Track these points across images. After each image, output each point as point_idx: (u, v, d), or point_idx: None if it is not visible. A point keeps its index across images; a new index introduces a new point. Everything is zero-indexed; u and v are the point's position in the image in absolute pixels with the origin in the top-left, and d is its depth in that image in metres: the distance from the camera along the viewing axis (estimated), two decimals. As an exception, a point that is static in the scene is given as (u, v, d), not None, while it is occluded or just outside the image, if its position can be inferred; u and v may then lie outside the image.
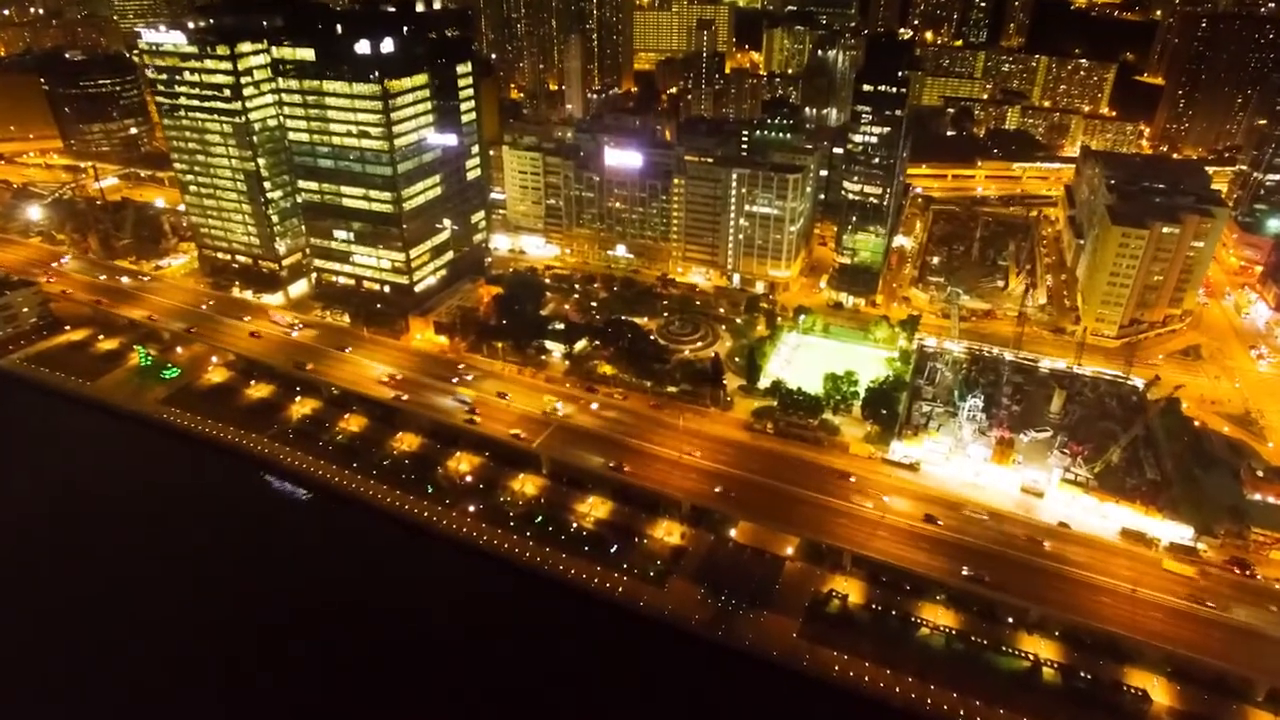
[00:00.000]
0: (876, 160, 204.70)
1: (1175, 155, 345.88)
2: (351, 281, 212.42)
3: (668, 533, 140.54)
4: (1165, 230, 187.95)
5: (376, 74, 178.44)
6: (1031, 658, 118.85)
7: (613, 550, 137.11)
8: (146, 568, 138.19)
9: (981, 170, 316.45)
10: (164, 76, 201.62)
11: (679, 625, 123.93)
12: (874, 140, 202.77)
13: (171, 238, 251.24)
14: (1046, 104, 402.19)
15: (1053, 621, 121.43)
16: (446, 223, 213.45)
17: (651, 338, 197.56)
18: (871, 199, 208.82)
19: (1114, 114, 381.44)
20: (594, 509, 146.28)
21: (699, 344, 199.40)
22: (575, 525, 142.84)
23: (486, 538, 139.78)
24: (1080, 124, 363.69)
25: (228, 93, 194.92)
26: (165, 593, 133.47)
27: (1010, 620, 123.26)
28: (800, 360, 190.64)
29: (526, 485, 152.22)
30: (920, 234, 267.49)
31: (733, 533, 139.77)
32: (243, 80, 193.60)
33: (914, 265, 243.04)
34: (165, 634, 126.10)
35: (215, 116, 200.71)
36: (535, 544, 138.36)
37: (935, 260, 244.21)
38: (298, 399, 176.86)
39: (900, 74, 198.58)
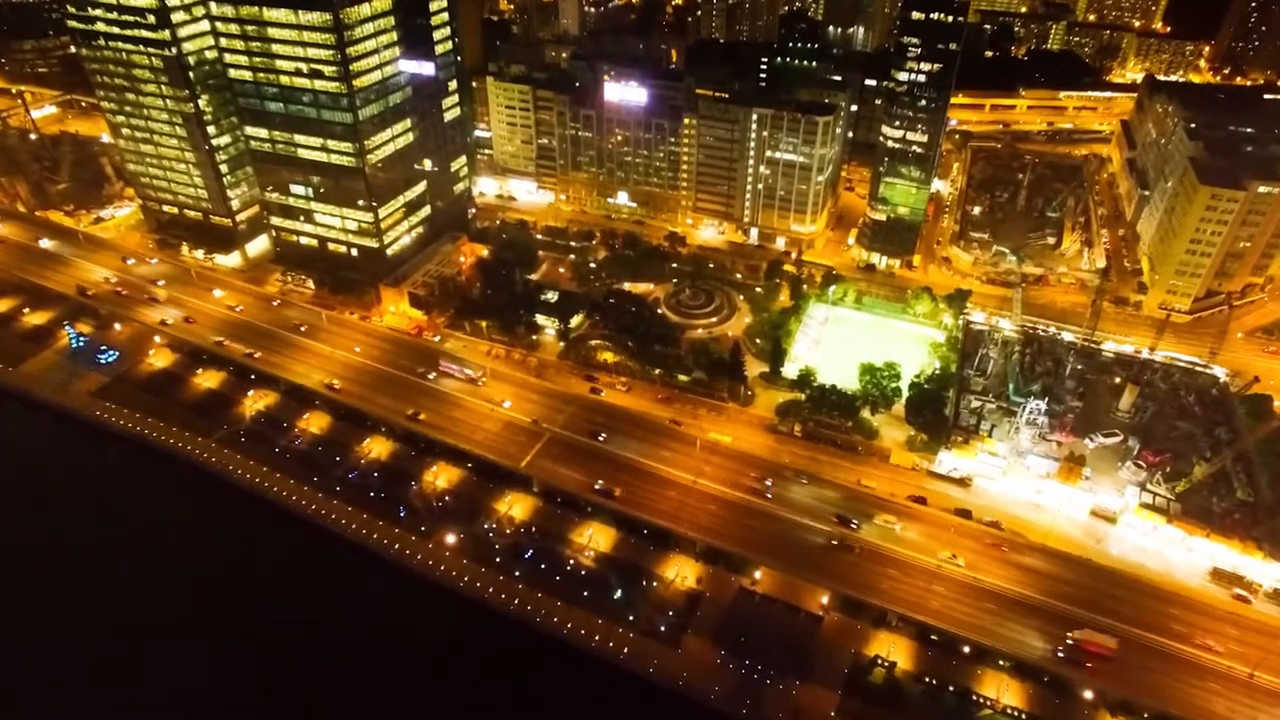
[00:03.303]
0: (923, 101, 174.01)
1: (1241, 80, 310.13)
2: (315, 243, 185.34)
3: (680, 574, 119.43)
4: (1263, 190, 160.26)
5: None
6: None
7: (616, 596, 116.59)
8: (55, 595, 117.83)
9: (1024, 100, 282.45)
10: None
11: (696, 698, 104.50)
12: (921, 79, 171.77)
13: (115, 182, 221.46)
14: (1093, 18, 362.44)
15: (1141, 704, 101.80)
16: (426, 163, 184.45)
17: (659, 311, 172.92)
18: (915, 146, 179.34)
19: (1168, 30, 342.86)
20: (593, 540, 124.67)
21: (713, 319, 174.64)
22: (572, 562, 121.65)
23: (468, 578, 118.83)
24: (1133, 43, 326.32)
25: (152, 19, 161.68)
26: (77, 625, 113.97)
27: (1088, 697, 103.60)
28: (830, 339, 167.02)
29: (514, 507, 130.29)
30: (959, 177, 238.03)
31: (757, 574, 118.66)
32: (169, 4, 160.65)
33: (953, 217, 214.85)
34: (70, 672, 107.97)
35: (140, 47, 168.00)
36: (525, 587, 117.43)
37: (976, 211, 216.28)
38: (251, 392, 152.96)
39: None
